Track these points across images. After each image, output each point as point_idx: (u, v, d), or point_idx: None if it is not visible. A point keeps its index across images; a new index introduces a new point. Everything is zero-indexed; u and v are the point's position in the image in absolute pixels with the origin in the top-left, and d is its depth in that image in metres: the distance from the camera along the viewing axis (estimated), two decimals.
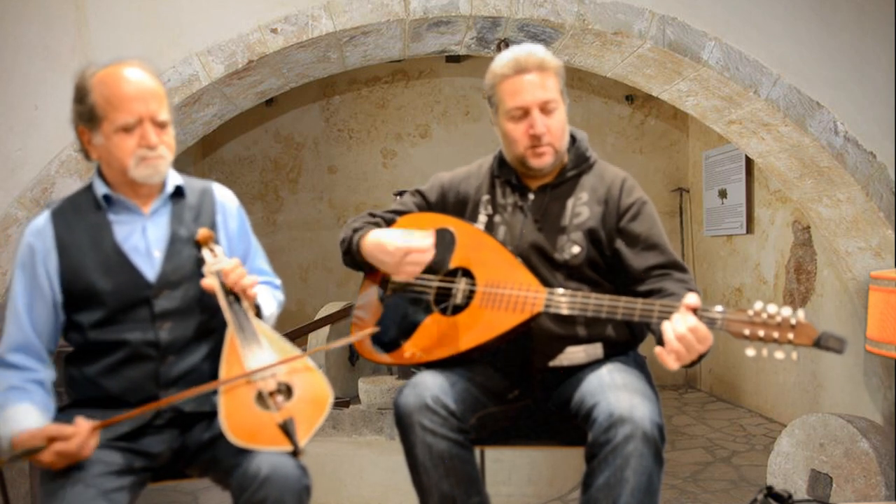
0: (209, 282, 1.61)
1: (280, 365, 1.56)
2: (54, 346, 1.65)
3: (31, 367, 1.58)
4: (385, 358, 1.81)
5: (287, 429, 1.47)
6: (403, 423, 1.64)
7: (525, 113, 1.73)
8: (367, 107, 6.09)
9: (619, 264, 1.76)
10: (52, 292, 1.60)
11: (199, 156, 5.92)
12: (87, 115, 1.59)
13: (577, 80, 5.83)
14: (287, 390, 1.54)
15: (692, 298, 1.48)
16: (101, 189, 1.64)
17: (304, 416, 1.50)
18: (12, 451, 1.45)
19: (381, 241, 1.75)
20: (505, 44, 3.14)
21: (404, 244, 1.70)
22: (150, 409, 1.57)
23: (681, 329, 1.44)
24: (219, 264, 1.63)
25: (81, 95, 1.59)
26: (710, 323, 1.46)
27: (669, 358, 1.46)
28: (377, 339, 1.83)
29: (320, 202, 6.09)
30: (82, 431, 1.44)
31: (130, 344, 1.59)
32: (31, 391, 1.55)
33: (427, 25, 3.02)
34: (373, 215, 1.91)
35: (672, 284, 1.69)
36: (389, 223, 1.90)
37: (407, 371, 3.51)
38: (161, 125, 1.60)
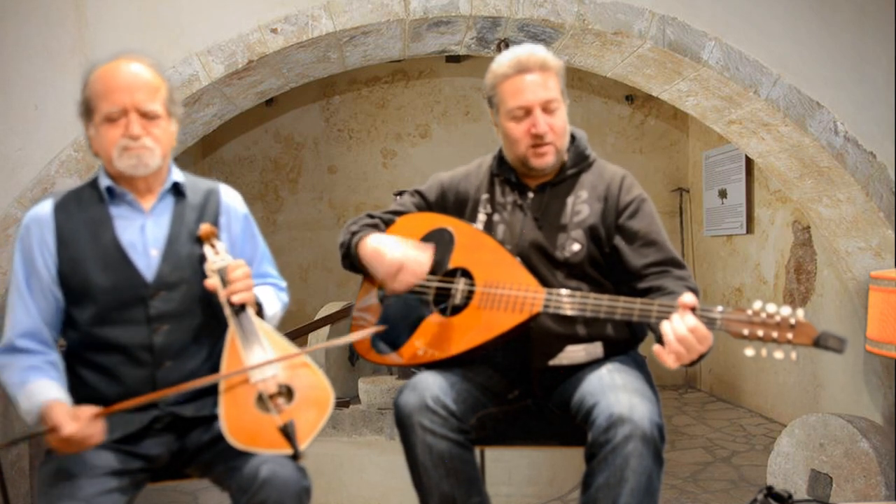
0: (213, 281, 1.58)
1: (279, 361, 1.54)
2: (58, 335, 1.64)
3: (42, 351, 1.58)
4: (385, 358, 1.81)
5: (288, 432, 1.46)
6: (404, 424, 1.64)
7: (527, 112, 1.73)
8: (367, 107, 6.09)
9: (618, 261, 1.76)
10: (49, 277, 1.59)
11: (199, 156, 5.92)
12: (84, 108, 1.61)
13: (577, 80, 5.83)
14: (288, 392, 1.52)
15: (689, 298, 1.48)
16: (104, 181, 1.63)
17: (306, 419, 1.49)
18: (40, 425, 1.45)
19: (380, 250, 1.73)
20: (505, 44, 3.14)
21: (401, 258, 1.69)
22: (150, 408, 1.57)
23: (681, 330, 1.44)
24: (221, 262, 1.60)
25: (82, 90, 1.61)
26: (710, 323, 1.46)
27: (669, 358, 1.46)
28: (377, 340, 1.83)
29: (320, 202, 6.09)
30: (82, 418, 1.44)
31: (124, 346, 1.57)
32: (48, 370, 1.55)
33: (427, 25, 3.02)
34: (371, 216, 1.90)
35: (671, 282, 1.69)
36: (388, 224, 1.90)
37: (407, 371, 3.51)
38: (148, 116, 1.57)
